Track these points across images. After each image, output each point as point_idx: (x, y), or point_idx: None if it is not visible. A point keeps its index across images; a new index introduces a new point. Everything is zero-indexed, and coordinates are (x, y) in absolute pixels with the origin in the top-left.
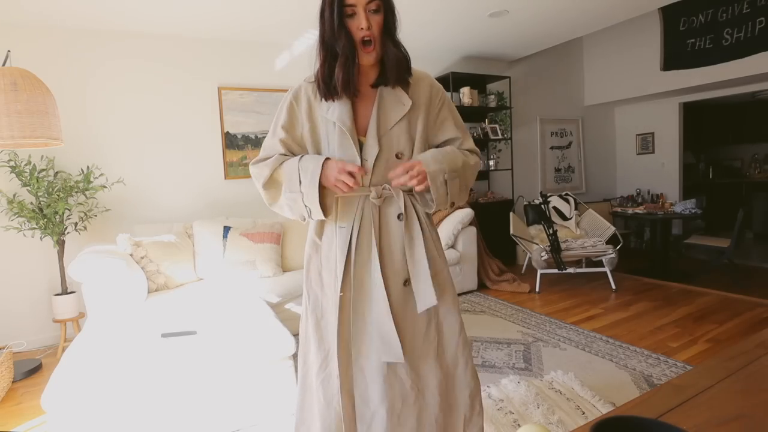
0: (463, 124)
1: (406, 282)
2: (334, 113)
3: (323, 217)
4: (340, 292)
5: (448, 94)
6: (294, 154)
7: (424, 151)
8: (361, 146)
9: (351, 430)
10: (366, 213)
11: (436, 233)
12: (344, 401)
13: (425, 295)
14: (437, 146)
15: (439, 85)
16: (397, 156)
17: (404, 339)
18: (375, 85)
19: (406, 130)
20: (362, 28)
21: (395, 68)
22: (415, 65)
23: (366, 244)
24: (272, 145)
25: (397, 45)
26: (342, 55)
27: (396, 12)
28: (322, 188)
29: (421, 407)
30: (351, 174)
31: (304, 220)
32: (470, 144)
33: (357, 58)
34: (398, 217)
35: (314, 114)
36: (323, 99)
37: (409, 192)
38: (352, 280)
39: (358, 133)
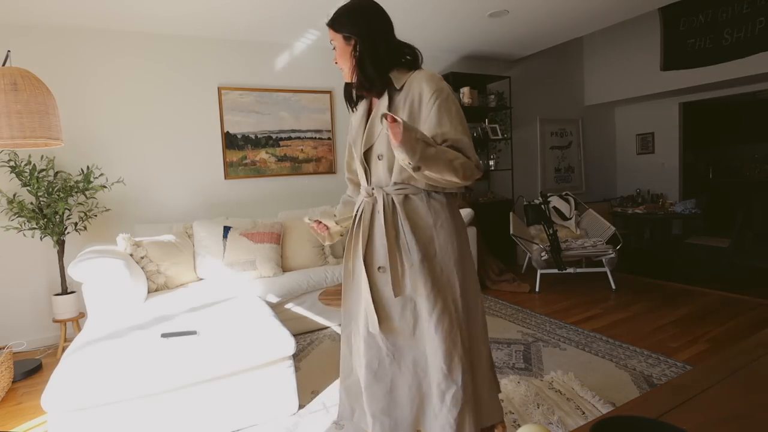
0: (460, 127)
1: (380, 268)
2: (352, 122)
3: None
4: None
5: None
6: None
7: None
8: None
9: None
10: (365, 208)
11: (431, 230)
12: (344, 350)
13: (394, 284)
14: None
15: (435, 84)
16: (378, 158)
17: (382, 314)
18: (365, 97)
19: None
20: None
21: (361, 87)
22: None
23: (356, 234)
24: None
25: (363, 63)
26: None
27: (359, 29)
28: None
29: (395, 373)
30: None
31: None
32: (469, 150)
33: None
34: (380, 213)
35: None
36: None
37: (406, 190)
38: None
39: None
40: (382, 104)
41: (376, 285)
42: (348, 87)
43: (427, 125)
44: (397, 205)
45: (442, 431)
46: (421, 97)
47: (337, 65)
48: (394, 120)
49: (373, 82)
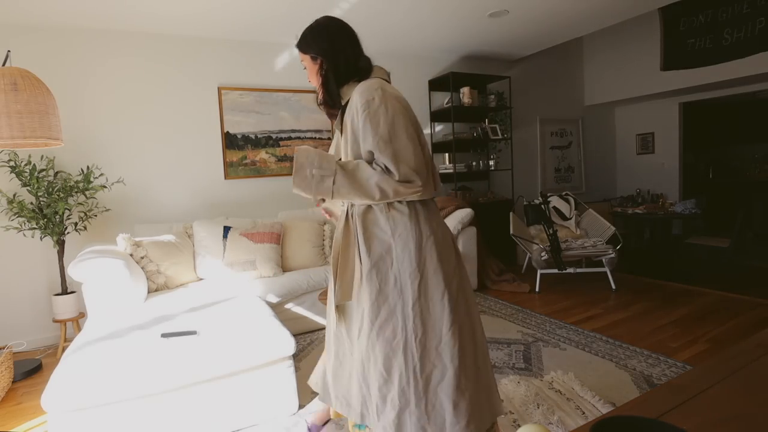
0: (387, 139)
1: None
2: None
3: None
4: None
5: (395, 103)
6: None
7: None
8: None
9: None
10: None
11: (389, 240)
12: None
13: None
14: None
15: (367, 97)
16: None
17: (345, 312)
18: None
19: (344, 155)
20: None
21: (326, 104)
22: (415, 65)
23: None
24: None
25: (325, 85)
26: None
27: (324, 56)
28: None
29: (352, 367)
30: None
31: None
32: (392, 164)
33: None
34: (339, 223)
35: None
36: None
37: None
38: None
39: None
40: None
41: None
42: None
43: (362, 140)
44: (357, 217)
45: (384, 431)
46: (357, 112)
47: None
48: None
49: (335, 100)
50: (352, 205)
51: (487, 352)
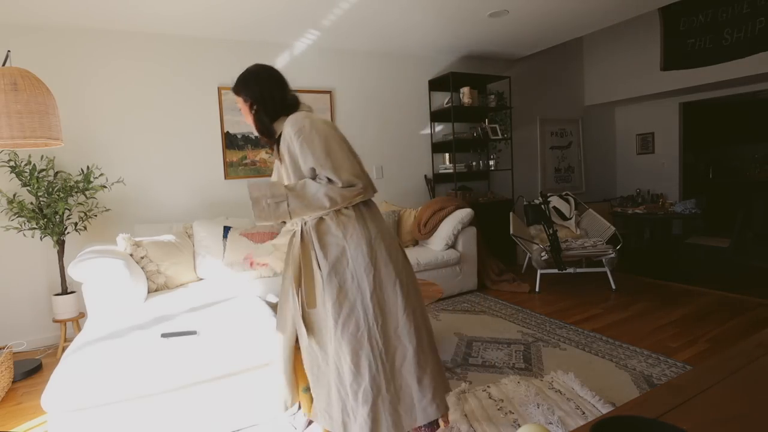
0: (323, 153)
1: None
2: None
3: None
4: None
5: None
6: None
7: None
8: None
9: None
10: (294, 235)
11: (325, 250)
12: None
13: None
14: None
15: (298, 126)
16: None
17: (309, 325)
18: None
19: (286, 179)
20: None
21: (264, 138)
22: (415, 65)
23: (286, 258)
24: None
25: (259, 122)
26: None
27: (254, 100)
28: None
29: (329, 376)
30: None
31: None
32: (332, 175)
33: None
34: (297, 238)
35: None
36: None
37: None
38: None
39: None
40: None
41: (302, 300)
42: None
43: (303, 161)
44: (311, 230)
45: (360, 430)
46: (291, 140)
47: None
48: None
49: (271, 133)
50: (306, 222)
51: (432, 335)
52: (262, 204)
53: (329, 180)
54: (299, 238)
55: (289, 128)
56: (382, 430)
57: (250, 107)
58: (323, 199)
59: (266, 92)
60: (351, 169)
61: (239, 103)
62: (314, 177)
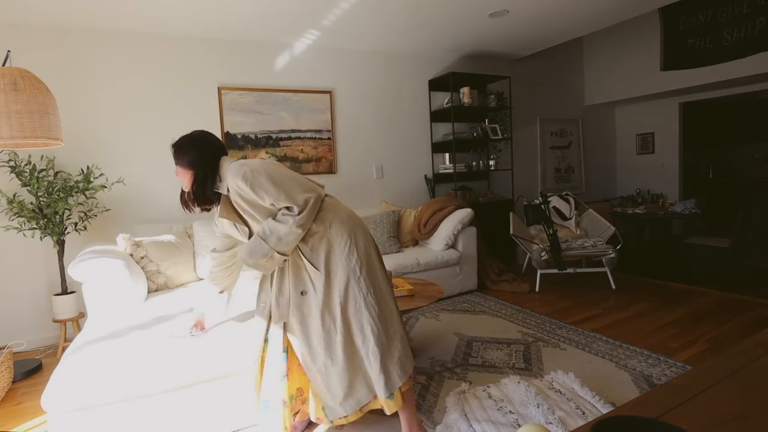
0: (275, 190)
1: (303, 293)
2: (222, 228)
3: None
4: (260, 303)
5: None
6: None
7: (271, 215)
8: None
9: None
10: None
11: (315, 253)
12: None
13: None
14: (275, 210)
15: (240, 174)
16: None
17: (302, 327)
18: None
19: (251, 218)
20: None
21: (203, 203)
22: (415, 65)
23: (275, 274)
24: None
25: (201, 188)
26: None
27: (194, 168)
28: None
29: (330, 375)
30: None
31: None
32: (288, 203)
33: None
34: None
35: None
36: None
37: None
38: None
39: None
40: (224, 204)
41: (294, 305)
42: (184, 197)
43: (262, 201)
44: (297, 256)
45: (375, 385)
46: (241, 189)
47: (179, 177)
48: None
49: (211, 199)
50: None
51: None
52: (262, 264)
53: (287, 208)
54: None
55: (235, 179)
56: (394, 378)
57: (192, 174)
58: (297, 230)
59: (207, 158)
60: (300, 188)
61: (179, 166)
62: (276, 211)
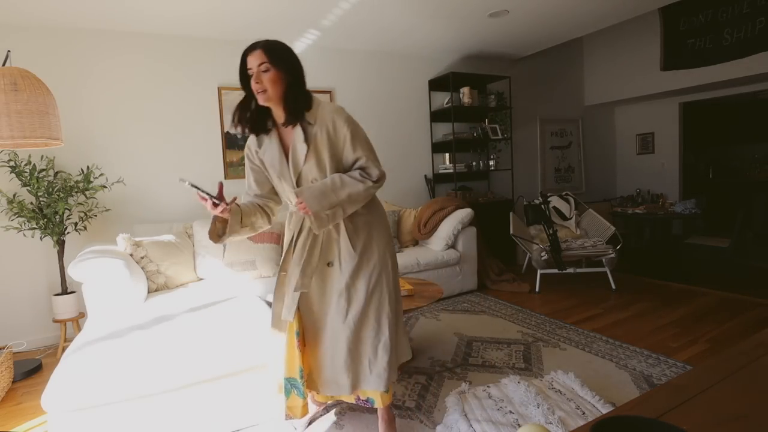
0: (368, 149)
1: (329, 264)
2: (266, 159)
3: (212, 241)
4: (281, 271)
5: (355, 125)
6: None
7: (342, 171)
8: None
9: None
10: (305, 223)
11: (367, 233)
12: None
13: (343, 276)
14: (349, 165)
15: (344, 116)
16: (312, 182)
17: (318, 300)
18: (284, 125)
19: (315, 164)
20: (255, 83)
21: (294, 113)
22: (415, 65)
23: (301, 243)
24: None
25: (295, 95)
26: (244, 103)
27: (293, 64)
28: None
29: (335, 347)
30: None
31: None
32: (371, 167)
33: (256, 103)
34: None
35: (260, 159)
36: (258, 138)
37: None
38: (293, 263)
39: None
40: (297, 135)
41: (317, 278)
42: (253, 110)
43: (345, 150)
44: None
45: (378, 378)
46: (335, 128)
47: (257, 86)
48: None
49: (299, 115)
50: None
51: None
52: (322, 216)
53: (366, 172)
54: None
55: (336, 116)
56: (393, 374)
57: (284, 81)
58: (358, 198)
59: (301, 72)
60: (379, 163)
61: (270, 69)
62: (351, 165)
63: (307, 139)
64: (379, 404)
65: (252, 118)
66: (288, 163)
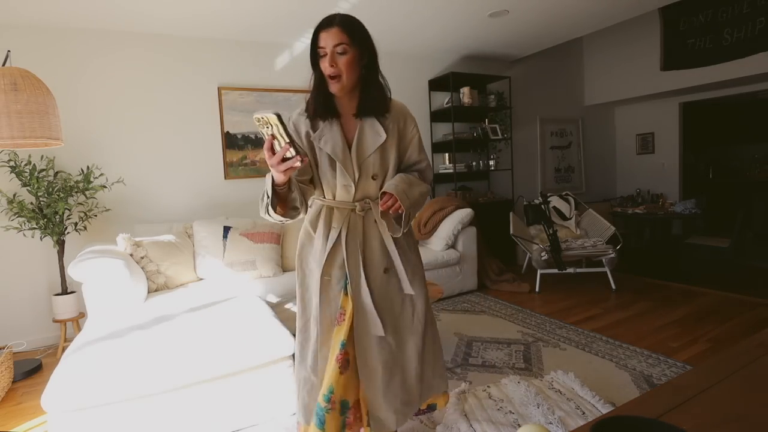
0: (424, 151)
1: (386, 270)
2: (327, 145)
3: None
4: (325, 276)
5: (420, 122)
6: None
7: (396, 171)
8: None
9: (343, 383)
10: (352, 220)
11: (410, 235)
12: (319, 360)
13: (404, 282)
14: (407, 166)
15: (413, 116)
16: (372, 178)
17: (385, 313)
18: (355, 116)
19: (380, 157)
20: (329, 66)
21: (371, 104)
22: (415, 65)
23: (353, 243)
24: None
25: (374, 83)
26: (315, 86)
27: (372, 49)
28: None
29: (404, 363)
30: (283, 159)
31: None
32: (427, 171)
33: (327, 88)
34: (375, 222)
35: (310, 142)
36: (312, 120)
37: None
38: (338, 269)
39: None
40: (367, 125)
41: (377, 287)
42: (319, 98)
43: (410, 150)
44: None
45: (441, 379)
46: (405, 126)
47: (332, 69)
48: (390, 201)
49: (380, 105)
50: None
51: None
52: (415, 208)
53: (421, 174)
54: (378, 225)
55: (407, 116)
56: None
57: (361, 63)
58: (422, 201)
59: (376, 54)
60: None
61: (348, 49)
62: (409, 167)
63: (385, 130)
64: (441, 406)
65: (323, 102)
66: (350, 152)
